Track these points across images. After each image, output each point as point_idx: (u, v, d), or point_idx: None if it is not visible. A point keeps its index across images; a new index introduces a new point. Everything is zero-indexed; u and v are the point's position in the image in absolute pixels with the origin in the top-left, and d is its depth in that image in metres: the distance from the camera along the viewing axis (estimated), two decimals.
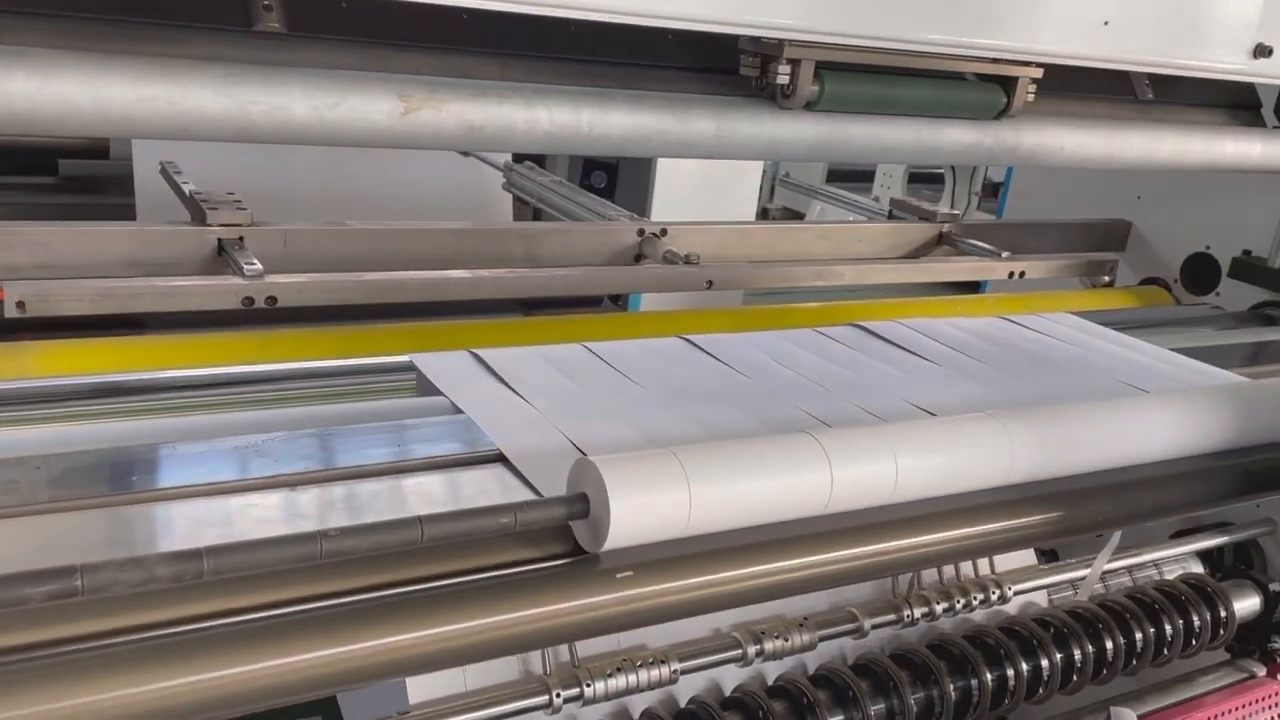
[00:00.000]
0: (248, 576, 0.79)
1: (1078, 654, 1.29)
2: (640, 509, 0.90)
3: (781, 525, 0.97)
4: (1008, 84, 1.48)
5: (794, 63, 1.30)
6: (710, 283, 1.73)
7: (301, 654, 0.78)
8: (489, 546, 0.91)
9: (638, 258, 1.85)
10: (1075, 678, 1.30)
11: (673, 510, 0.92)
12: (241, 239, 1.51)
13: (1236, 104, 1.97)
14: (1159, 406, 1.24)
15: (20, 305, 1.24)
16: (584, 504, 0.91)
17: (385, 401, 1.19)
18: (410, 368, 1.30)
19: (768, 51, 1.33)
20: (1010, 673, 1.22)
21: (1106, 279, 2.30)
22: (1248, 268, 2.12)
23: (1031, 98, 1.49)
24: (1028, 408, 1.15)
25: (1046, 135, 1.56)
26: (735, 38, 1.36)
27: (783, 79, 1.31)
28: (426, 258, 1.66)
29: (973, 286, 2.87)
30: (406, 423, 1.13)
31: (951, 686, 1.17)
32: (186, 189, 1.81)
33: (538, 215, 2.89)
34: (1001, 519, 1.05)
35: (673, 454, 0.94)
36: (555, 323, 1.58)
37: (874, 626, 1.19)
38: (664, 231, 1.84)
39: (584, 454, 1.08)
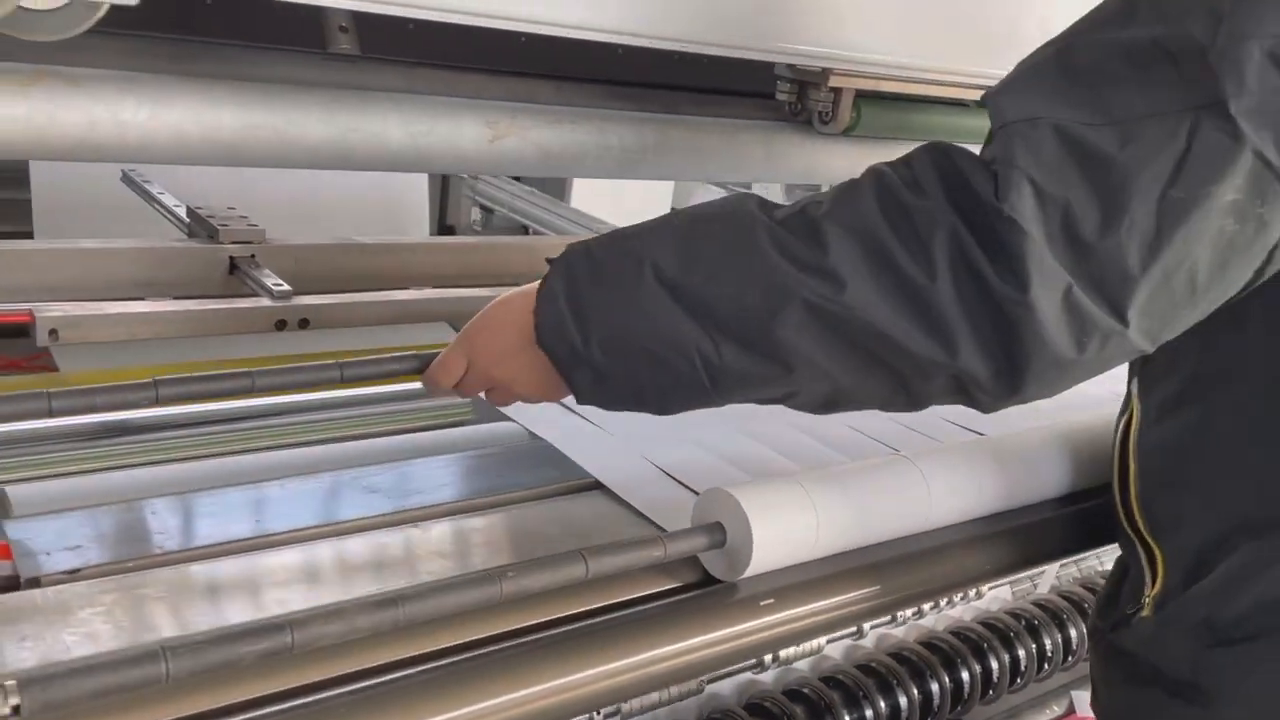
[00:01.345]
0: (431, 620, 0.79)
1: (1049, 642, 1.36)
2: (776, 536, 0.93)
3: (893, 544, 1.02)
4: None
5: (835, 90, 1.35)
6: None
7: (490, 699, 0.78)
8: (620, 579, 0.92)
9: None
10: (1046, 665, 1.38)
11: (804, 535, 0.95)
12: (254, 256, 1.45)
13: None
14: None
15: (53, 334, 1.17)
16: (721, 533, 0.93)
17: (464, 430, 1.18)
18: None
19: (807, 78, 1.37)
20: (994, 664, 1.28)
21: None
22: None
23: None
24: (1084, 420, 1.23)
25: None
26: (771, 64, 1.40)
27: (823, 106, 1.36)
28: (438, 273, 1.64)
29: None
30: (495, 451, 1.12)
31: (948, 681, 1.23)
32: (164, 199, 1.73)
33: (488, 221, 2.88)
34: None
35: (798, 482, 0.97)
36: None
37: (872, 628, 1.24)
38: None
39: (674, 478, 1.11)
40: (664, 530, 1.00)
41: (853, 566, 0.98)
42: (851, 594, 0.97)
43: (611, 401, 0.91)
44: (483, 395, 0.98)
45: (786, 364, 0.80)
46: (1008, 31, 1.48)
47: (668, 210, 4.58)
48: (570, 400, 1.29)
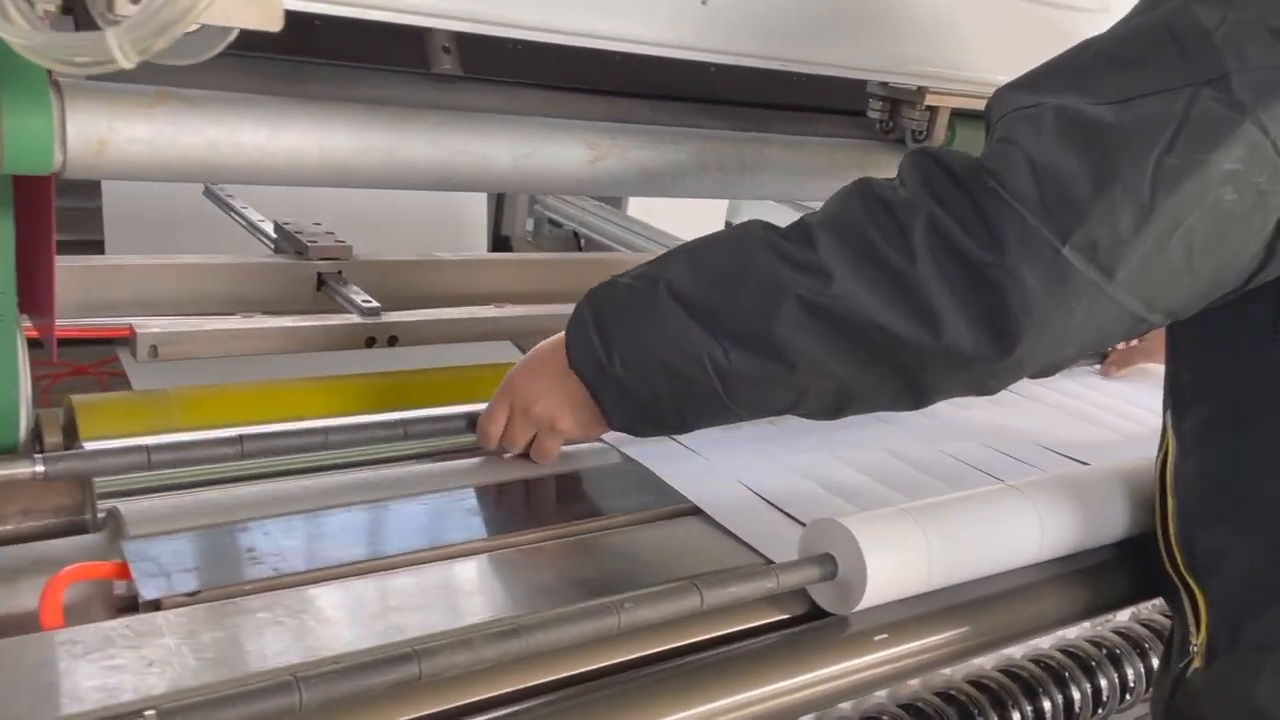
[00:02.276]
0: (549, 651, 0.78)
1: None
2: (889, 569, 0.91)
3: (1004, 575, 1.00)
4: None
5: (931, 109, 1.33)
6: None
7: None
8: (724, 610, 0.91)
9: None
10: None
11: (916, 569, 0.93)
12: (340, 272, 1.46)
13: None
14: None
15: (153, 351, 1.18)
16: (833, 565, 0.91)
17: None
18: None
19: (901, 96, 1.35)
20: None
21: None
22: None
23: None
24: None
25: None
26: (863, 82, 1.38)
27: (917, 124, 1.34)
28: (516, 290, 1.64)
29: None
30: (588, 472, 1.12)
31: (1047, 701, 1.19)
32: (247, 214, 1.75)
33: (580, 241, 2.89)
34: None
35: (908, 513, 0.95)
36: None
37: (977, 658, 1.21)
38: None
39: (774, 505, 1.10)
40: (767, 559, 0.99)
41: (963, 600, 0.96)
42: (963, 629, 0.95)
43: (635, 418, 0.96)
44: (528, 452, 1.07)
45: (790, 363, 0.85)
46: None
47: (723, 219, 4.63)
48: None
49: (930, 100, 1.32)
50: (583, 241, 3.32)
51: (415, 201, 2.96)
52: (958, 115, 1.35)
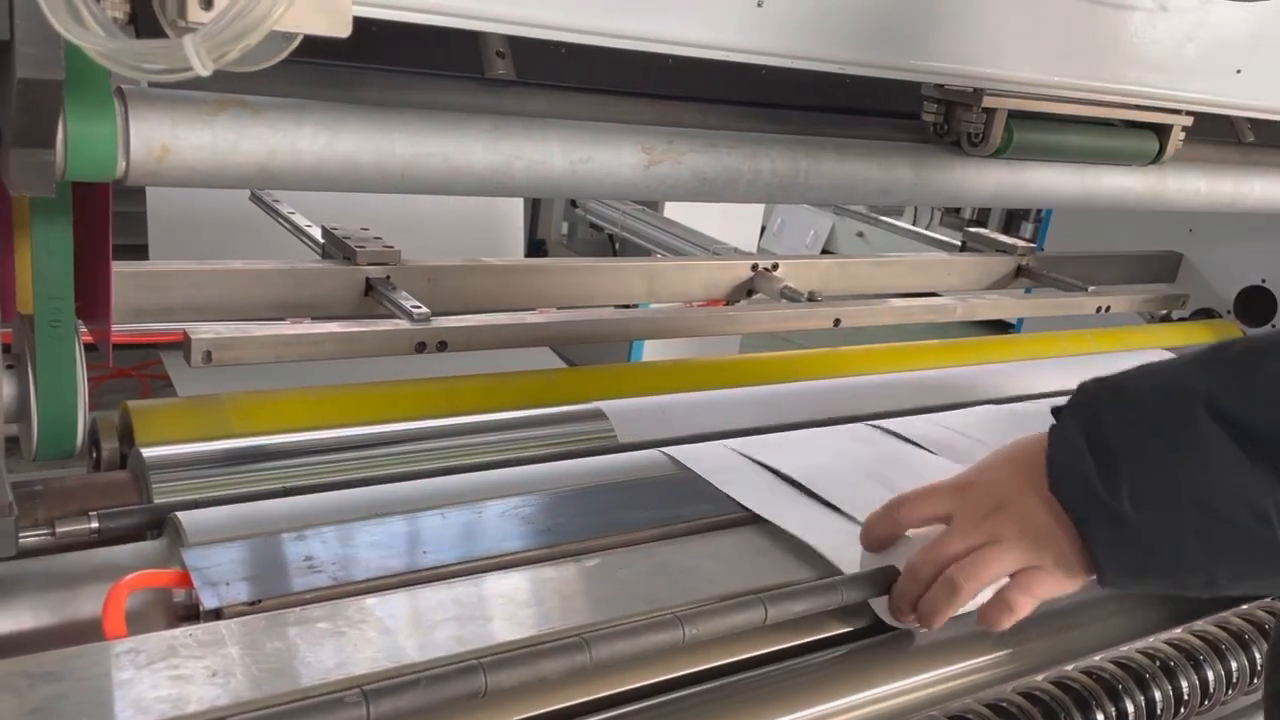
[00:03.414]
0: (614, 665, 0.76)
1: (1184, 685, 1.27)
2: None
3: None
4: (1160, 131, 1.50)
5: (989, 111, 1.30)
6: (838, 321, 1.72)
7: None
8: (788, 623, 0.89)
9: (749, 293, 1.84)
10: (1183, 709, 1.30)
11: None
12: (389, 277, 1.46)
13: None
14: None
15: (207, 356, 1.18)
16: (897, 576, 0.89)
17: (607, 458, 1.16)
18: (600, 415, 1.28)
19: (956, 99, 1.33)
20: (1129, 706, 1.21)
21: (1165, 312, 2.36)
22: None
23: (1181, 144, 1.52)
24: None
25: (1187, 181, 1.60)
26: (917, 84, 1.36)
27: (974, 127, 1.31)
28: (559, 295, 1.63)
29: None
30: (645, 481, 1.10)
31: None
32: (294, 219, 1.76)
33: (614, 244, 2.88)
34: None
35: None
36: (713, 365, 1.56)
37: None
38: (775, 266, 1.84)
39: (838, 510, 1.08)
40: (833, 564, 0.97)
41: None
42: (1033, 644, 0.93)
43: (1135, 568, 0.76)
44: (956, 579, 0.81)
45: None
46: (1160, 50, 1.42)
47: (759, 223, 4.59)
48: (704, 427, 1.28)
49: (988, 103, 1.29)
50: (617, 245, 3.32)
51: (453, 206, 2.97)
52: (1014, 117, 1.33)
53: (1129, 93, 1.41)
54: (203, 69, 0.53)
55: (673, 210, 3.73)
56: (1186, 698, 1.26)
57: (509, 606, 0.85)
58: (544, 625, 0.82)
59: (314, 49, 0.94)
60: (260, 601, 0.80)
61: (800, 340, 1.93)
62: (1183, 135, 1.52)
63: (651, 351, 2.84)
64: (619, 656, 0.75)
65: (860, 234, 7.40)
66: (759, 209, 4.63)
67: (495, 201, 3.16)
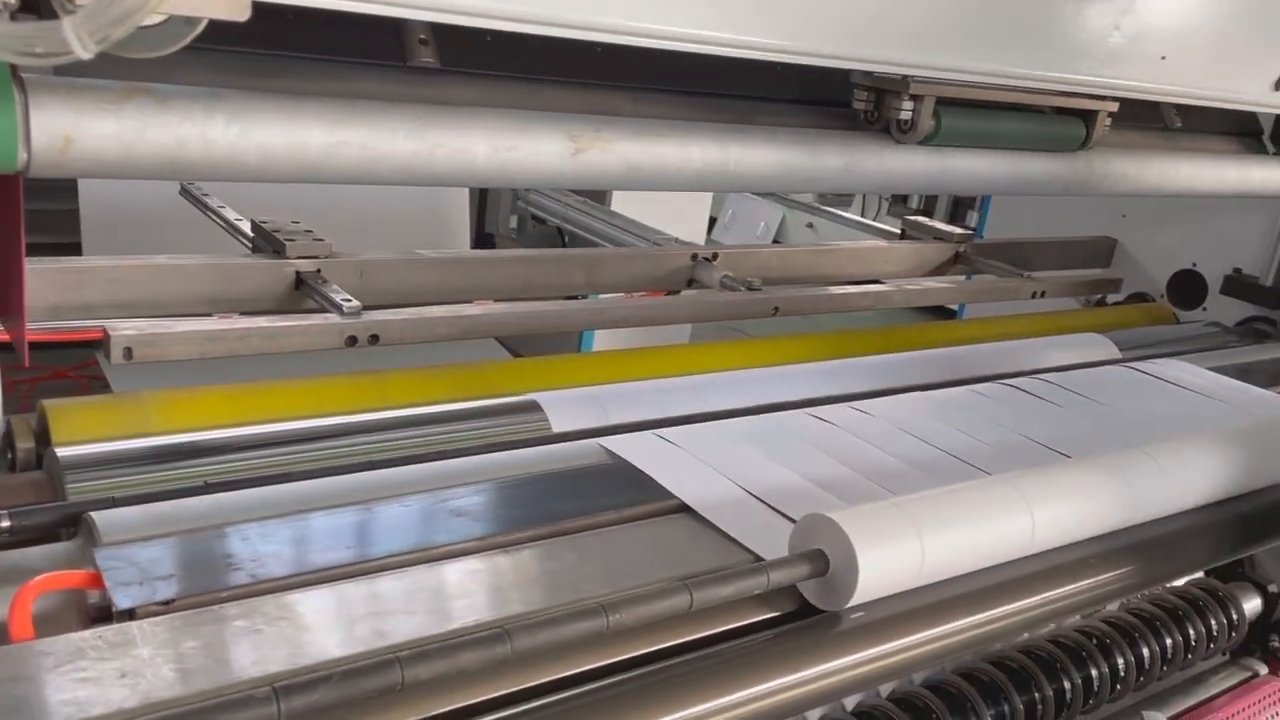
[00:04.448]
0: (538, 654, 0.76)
1: (1120, 662, 1.31)
2: (881, 563, 0.90)
3: (994, 569, 0.98)
4: (1088, 117, 1.53)
5: (917, 99, 1.31)
6: (777, 309, 1.73)
7: None
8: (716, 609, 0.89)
9: (690, 282, 1.84)
10: (1119, 686, 1.34)
11: (909, 562, 0.92)
12: (319, 271, 1.44)
13: (1241, 131, 2.08)
14: None
15: (127, 353, 1.15)
16: (824, 561, 0.90)
17: (542, 449, 1.15)
18: (536, 408, 1.27)
19: (887, 87, 1.34)
20: (1066, 685, 1.24)
21: (1099, 296, 2.41)
22: (1240, 285, 2.24)
23: (1107, 130, 1.54)
24: (1181, 439, 1.19)
25: (1114, 166, 1.62)
26: (846, 72, 1.37)
27: (904, 115, 1.32)
28: (496, 286, 1.62)
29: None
30: (577, 472, 1.10)
31: (1020, 702, 1.17)
32: (224, 213, 1.72)
33: (564, 238, 2.87)
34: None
35: (899, 506, 0.94)
36: (643, 355, 1.56)
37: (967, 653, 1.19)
38: (715, 255, 1.84)
39: (763, 501, 1.08)
40: (757, 556, 0.97)
41: (960, 593, 0.95)
42: (959, 622, 0.94)
43: None
44: None
45: None
46: (1087, 38, 1.44)
47: (707, 215, 4.59)
48: (640, 416, 1.28)
49: (915, 90, 1.30)
50: (566, 238, 3.30)
51: (397, 201, 2.94)
52: (942, 104, 1.34)
53: (1055, 80, 1.43)
54: (83, 51, 0.52)
55: (621, 204, 3.72)
56: (1122, 674, 1.29)
57: (434, 600, 0.84)
58: (469, 618, 0.81)
59: (229, 37, 0.92)
60: (175, 601, 0.79)
61: (750, 329, 1.94)
62: (1109, 121, 1.55)
63: (602, 342, 2.83)
64: (542, 646, 0.75)
65: (810, 224, 7.45)
66: (707, 201, 4.65)
67: (440, 196, 3.13)
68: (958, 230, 2.24)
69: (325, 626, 0.78)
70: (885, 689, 1.10)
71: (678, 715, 0.78)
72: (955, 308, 3.05)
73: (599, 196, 3.95)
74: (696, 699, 0.79)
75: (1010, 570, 0.99)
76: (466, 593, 0.86)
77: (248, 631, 0.76)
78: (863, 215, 7.37)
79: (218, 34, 0.90)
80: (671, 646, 0.86)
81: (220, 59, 0.98)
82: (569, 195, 2.43)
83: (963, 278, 2.24)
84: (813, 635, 0.88)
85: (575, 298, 1.83)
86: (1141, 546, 1.09)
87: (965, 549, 0.96)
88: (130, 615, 0.77)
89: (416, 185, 0.97)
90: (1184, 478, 1.16)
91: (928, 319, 2.11)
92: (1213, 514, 1.21)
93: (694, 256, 1.82)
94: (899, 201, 7.87)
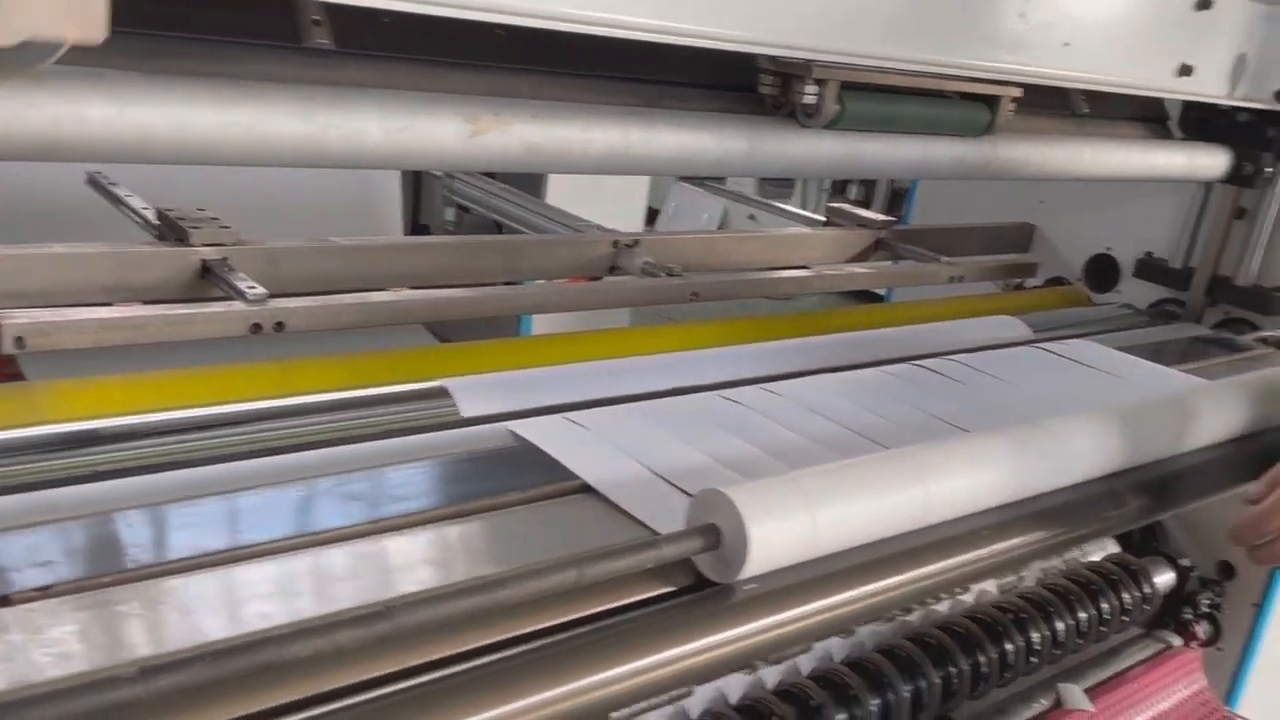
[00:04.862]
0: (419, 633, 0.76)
1: (1036, 636, 1.34)
2: (773, 536, 0.91)
3: (889, 541, 1.00)
4: (991, 103, 1.56)
5: (821, 83, 1.33)
6: (696, 294, 1.74)
7: (483, 712, 0.75)
8: (613, 585, 0.90)
9: (611, 269, 1.85)
10: (1035, 659, 1.38)
11: (801, 535, 0.93)
12: (226, 259, 1.42)
13: (1149, 117, 2.14)
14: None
15: (19, 342, 1.13)
16: (716, 535, 0.91)
17: (445, 434, 1.15)
18: (444, 394, 1.26)
19: (791, 71, 1.35)
20: (982, 659, 1.27)
21: (1018, 281, 2.46)
22: (1152, 268, 2.30)
23: (1011, 115, 1.58)
24: (1076, 417, 1.23)
25: (1018, 150, 1.66)
26: (753, 56, 1.38)
27: (809, 99, 1.34)
28: (414, 274, 1.60)
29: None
30: (479, 455, 1.10)
31: (937, 677, 1.18)
32: (132, 202, 1.69)
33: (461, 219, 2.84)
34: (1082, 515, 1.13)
35: (793, 480, 0.96)
36: (562, 340, 1.56)
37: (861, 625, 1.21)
38: (636, 242, 1.85)
39: (666, 480, 1.09)
40: (656, 532, 0.98)
41: (852, 565, 0.97)
42: (851, 592, 0.96)
43: None
44: None
45: None
46: (990, 24, 1.47)
47: (644, 206, 4.62)
48: (552, 400, 1.28)
49: (818, 74, 1.32)
50: (503, 230, 3.28)
51: (325, 193, 2.90)
52: (847, 89, 1.36)
53: (959, 66, 1.46)
54: None
55: (556, 197, 3.70)
56: (1038, 648, 1.32)
57: (320, 583, 0.83)
58: (357, 600, 0.81)
59: (121, 19, 0.91)
60: (53, 587, 0.77)
61: (685, 314, 1.94)
62: (1013, 107, 1.58)
63: (542, 328, 2.82)
64: (425, 624, 0.75)
65: (752, 216, 7.51)
66: (643, 192, 4.65)
67: (368, 186, 3.09)
68: (879, 217, 2.28)
69: (207, 610, 0.78)
70: (805, 667, 1.12)
71: (564, 689, 0.79)
72: (884, 293, 3.09)
73: (534, 189, 3.94)
74: (583, 672, 0.80)
75: (904, 542, 1.01)
76: (355, 574, 0.85)
77: (127, 616, 0.75)
78: (803, 207, 7.45)
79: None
80: (567, 622, 0.87)
81: (108, 41, 0.96)
82: (492, 183, 2.41)
83: (890, 263, 2.28)
84: (703, 607, 0.90)
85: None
86: (1035, 517, 1.12)
87: (857, 521, 0.98)
88: (5, 601, 0.76)
89: (307, 167, 0.97)
90: (1076, 450, 1.19)
91: (857, 305, 2.14)
92: (1105, 485, 1.24)
93: (615, 243, 1.83)
94: (839, 192, 7.98)
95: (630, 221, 4.25)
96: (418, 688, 0.75)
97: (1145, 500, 1.28)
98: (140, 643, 0.72)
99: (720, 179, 7.78)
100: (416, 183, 3.93)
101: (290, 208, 2.67)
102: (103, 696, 0.61)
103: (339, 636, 0.70)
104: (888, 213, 2.41)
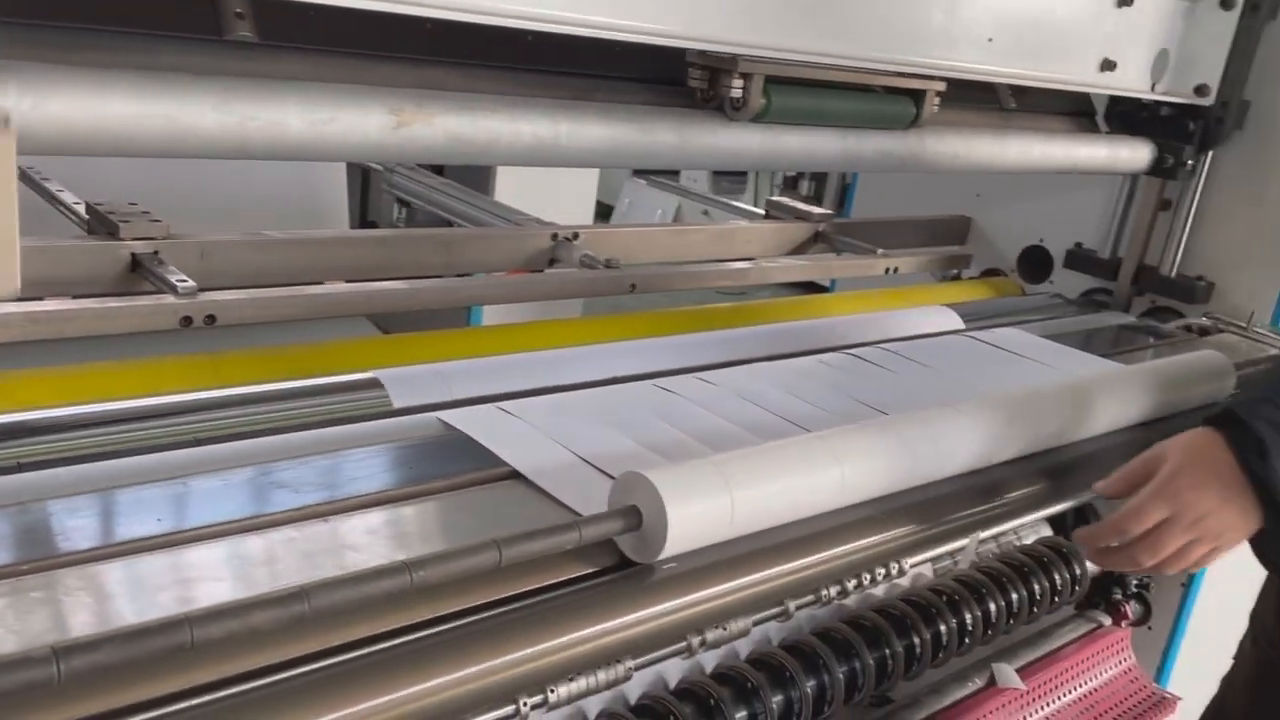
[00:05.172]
0: (341, 614, 0.77)
1: (969, 617, 1.40)
2: (691, 516, 0.94)
3: (806, 521, 1.03)
4: (917, 97, 1.60)
5: (746, 77, 1.36)
6: (634, 286, 1.76)
7: (402, 689, 0.77)
8: (532, 565, 0.91)
9: (551, 262, 1.86)
10: (968, 639, 1.42)
11: (719, 515, 0.96)
12: (157, 253, 1.41)
13: (1076, 112, 2.19)
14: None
15: None
16: (637, 516, 0.93)
17: (378, 423, 1.16)
18: (376, 385, 1.27)
19: (718, 65, 1.38)
20: (916, 640, 1.30)
21: (955, 272, 2.52)
22: (1081, 259, 2.37)
23: (936, 109, 1.62)
24: (991, 400, 1.26)
25: (944, 143, 1.70)
26: (682, 51, 1.40)
27: (735, 93, 1.37)
28: (348, 267, 1.61)
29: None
30: (410, 444, 1.11)
31: (871, 658, 1.22)
32: (63, 196, 1.68)
33: (412, 216, 2.84)
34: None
35: (711, 463, 0.98)
36: (500, 331, 1.57)
37: (798, 608, 1.24)
38: (576, 235, 1.86)
39: (592, 465, 1.11)
40: (581, 516, 1.00)
41: (771, 544, 1.00)
42: (770, 570, 0.98)
43: None
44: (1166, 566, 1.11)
45: None
46: (914, 20, 1.51)
47: (593, 202, 4.65)
48: (486, 390, 1.30)
49: (743, 69, 1.35)
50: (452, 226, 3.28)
51: (271, 189, 2.88)
52: (774, 83, 1.39)
53: (882, 61, 1.50)
54: None
55: (504, 193, 3.69)
56: (970, 629, 1.35)
57: (242, 567, 0.84)
58: (278, 584, 0.82)
59: (29, 9, 0.91)
60: None
61: (633, 307, 1.96)
62: (937, 101, 1.62)
63: (491, 319, 2.82)
64: (343, 605, 0.76)
65: (706, 212, 7.55)
66: (592, 187, 4.65)
67: (311, 182, 3.07)
68: (817, 210, 2.32)
69: (126, 595, 0.79)
70: (743, 651, 1.15)
71: (483, 665, 0.80)
72: (828, 284, 3.14)
73: (482, 185, 3.93)
74: (499, 650, 0.82)
75: (822, 522, 1.04)
76: (277, 559, 0.86)
77: (43, 602, 0.76)
78: (754, 203, 7.50)
79: (19, 8, 0.89)
80: (492, 601, 0.88)
81: (18, 32, 0.96)
82: (433, 178, 2.42)
83: (830, 255, 2.32)
84: (622, 587, 0.92)
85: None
86: (950, 498, 1.15)
87: (775, 502, 1.00)
88: None
89: (228, 158, 0.97)
90: (994, 433, 1.23)
91: (798, 296, 2.18)
92: (1021, 468, 1.28)
93: (555, 236, 1.85)
94: (790, 187, 8.05)
95: (579, 216, 4.26)
96: (336, 666, 0.76)
97: (1059, 482, 1.32)
98: (57, 628, 0.73)
99: (674, 176, 7.84)
100: (364, 180, 3.91)
101: (234, 205, 2.65)
102: (15, 677, 0.62)
103: (254, 618, 0.71)
104: (838, 204, 2.44)
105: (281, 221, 3.00)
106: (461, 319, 2.82)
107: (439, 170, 2.52)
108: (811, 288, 3.32)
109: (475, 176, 3.87)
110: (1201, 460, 1.07)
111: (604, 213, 7.31)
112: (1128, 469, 1.16)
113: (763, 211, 2.37)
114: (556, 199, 3.92)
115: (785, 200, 2.39)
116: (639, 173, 7.33)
